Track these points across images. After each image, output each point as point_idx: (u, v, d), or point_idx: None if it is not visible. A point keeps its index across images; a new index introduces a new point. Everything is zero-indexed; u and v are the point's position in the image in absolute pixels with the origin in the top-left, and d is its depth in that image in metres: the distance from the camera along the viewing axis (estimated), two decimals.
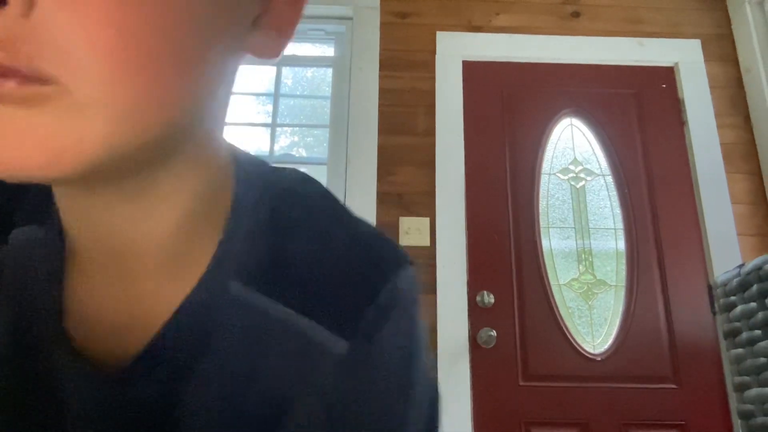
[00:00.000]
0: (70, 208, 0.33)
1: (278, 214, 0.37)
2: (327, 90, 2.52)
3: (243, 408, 0.33)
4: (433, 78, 2.36)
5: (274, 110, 2.49)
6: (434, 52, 2.40)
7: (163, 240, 0.33)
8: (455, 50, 2.41)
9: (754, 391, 1.84)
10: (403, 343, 0.37)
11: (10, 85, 0.22)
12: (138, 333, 0.33)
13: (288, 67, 2.61)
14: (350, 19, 2.49)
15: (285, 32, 0.36)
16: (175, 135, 0.29)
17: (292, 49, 2.63)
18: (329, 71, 2.55)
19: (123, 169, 0.28)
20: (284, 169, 0.41)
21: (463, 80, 2.37)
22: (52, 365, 0.33)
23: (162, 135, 0.27)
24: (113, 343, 0.33)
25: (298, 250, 0.36)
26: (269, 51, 0.38)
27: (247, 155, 0.39)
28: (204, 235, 0.34)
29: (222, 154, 0.37)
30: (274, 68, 2.55)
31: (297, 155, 2.51)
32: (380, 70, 2.36)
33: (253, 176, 0.38)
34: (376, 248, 0.38)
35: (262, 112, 2.59)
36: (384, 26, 2.44)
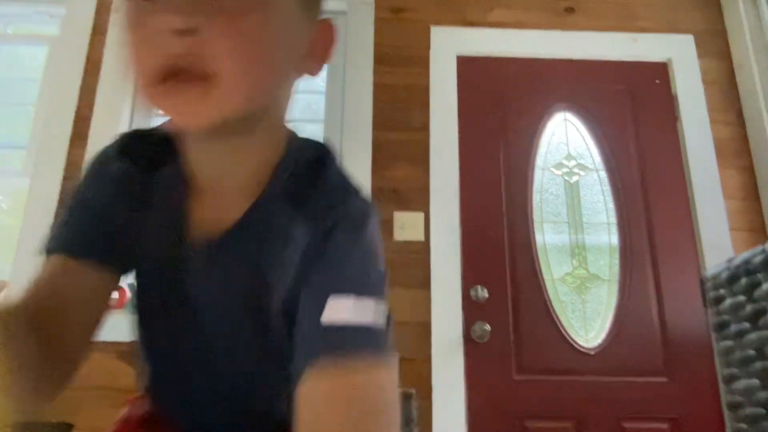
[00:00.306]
0: (196, 154, 0.60)
1: (303, 167, 0.61)
2: (321, 85, 2.52)
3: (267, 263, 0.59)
4: (428, 73, 2.36)
5: None
6: (429, 48, 2.40)
7: (245, 175, 0.60)
8: (450, 45, 2.41)
9: (742, 383, 1.86)
10: (351, 243, 0.57)
11: (194, 79, 0.47)
12: (225, 224, 0.59)
13: None
14: (344, 14, 2.48)
15: (321, 62, 0.61)
16: (262, 112, 0.57)
17: None
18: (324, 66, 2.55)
19: (234, 127, 0.54)
20: (317, 142, 0.66)
21: (458, 75, 2.37)
22: (180, 242, 0.60)
23: (258, 110, 0.55)
24: (212, 228, 0.60)
25: (308, 190, 0.59)
26: (312, 72, 0.61)
27: (295, 135, 0.65)
28: (265, 174, 0.60)
29: (281, 131, 0.63)
30: None
31: None
32: (375, 65, 2.36)
33: (294, 147, 0.63)
34: (351, 187, 0.61)
35: None
36: (378, 21, 2.43)
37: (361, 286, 0.53)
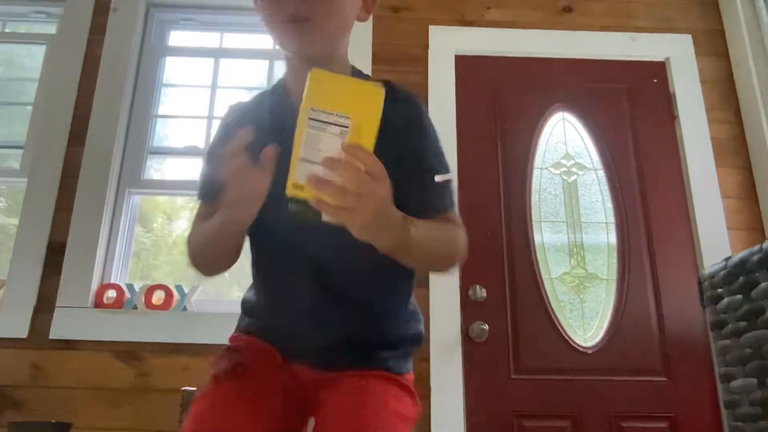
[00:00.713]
0: (297, 77, 0.92)
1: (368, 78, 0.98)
2: None
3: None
4: (426, 72, 2.36)
5: None
6: (427, 47, 2.41)
7: (339, 69, 0.90)
8: (448, 44, 2.41)
9: (739, 381, 1.86)
10: (430, 125, 0.93)
11: (302, 21, 0.83)
12: None
13: (280, 61, 2.61)
14: None
15: (369, 13, 0.94)
16: (341, 43, 0.93)
17: None
18: None
19: (327, 54, 0.90)
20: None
21: (456, 74, 2.37)
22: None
23: (340, 45, 0.93)
24: None
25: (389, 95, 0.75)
26: (362, 19, 0.94)
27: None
28: (346, 71, 0.96)
29: (347, 59, 0.97)
30: (267, 62, 2.55)
31: None
32: (373, 64, 2.36)
33: (356, 70, 1.00)
34: (423, 105, 0.95)
35: None
36: (377, 20, 2.43)
37: (444, 160, 0.94)
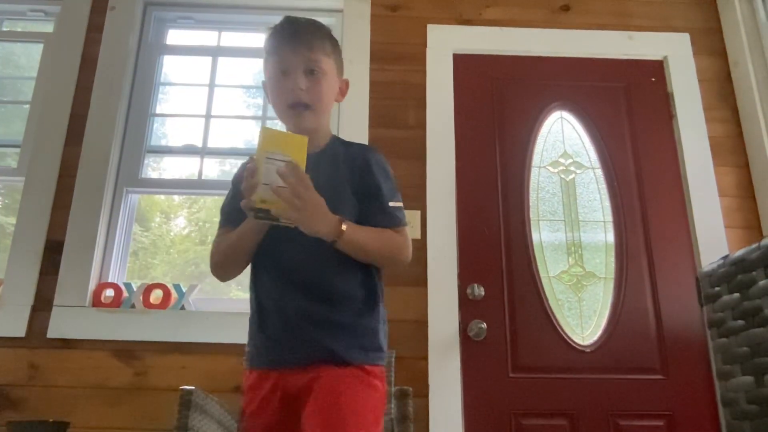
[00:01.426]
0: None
1: (342, 141, 1.28)
2: None
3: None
4: (424, 71, 2.36)
5: (265, 103, 2.48)
6: (425, 45, 2.40)
7: (323, 136, 1.24)
8: (446, 43, 2.41)
9: (737, 380, 1.87)
10: (383, 166, 1.23)
11: (302, 106, 1.18)
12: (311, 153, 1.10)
13: None
14: (340, 11, 2.48)
15: (343, 96, 1.30)
16: (325, 118, 1.25)
17: None
18: None
19: (315, 128, 1.21)
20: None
21: (454, 73, 2.37)
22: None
23: (324, 119, 1.25)
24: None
25: (350, 150, 1.24)
26: (338, 100, 1.29)
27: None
28: (328, 137, 1.26)
29: (328, 128, 1.29)
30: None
31: None
32: (371, 63, 2.36)
33: (335, 136, 1.30)
34: (373, 149, 1.27)
35: (252, 105, 2.58)
36: (375, 19, 2.43)
37: (395, 190, 1.21)
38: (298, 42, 1.20)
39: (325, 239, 1.07)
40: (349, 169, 1.18)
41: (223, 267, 1.22)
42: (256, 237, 1.14)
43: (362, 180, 1.18)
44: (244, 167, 1.20)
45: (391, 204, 1.18)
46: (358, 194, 1.17)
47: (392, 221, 1.18)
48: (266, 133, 1.00)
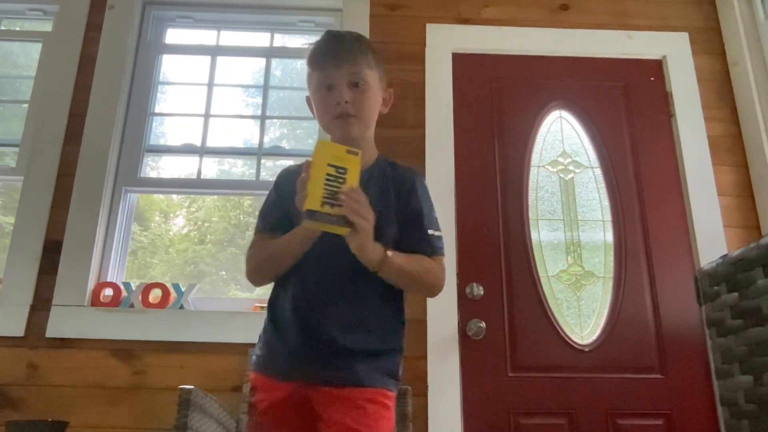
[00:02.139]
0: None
1: (388, 162, 1.27)
2: None
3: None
4: (423, 70, 2.36)
5: (264, 102, 2.48)
6: (424, 44, 2.40)
7: (368, 151, 1.23)
8: (445, 42, 2.41)
9: (736, 378, 1.87)
10: (427, 193, 1.25)
11: (349, 117, 1.20)
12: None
13: (277, 59, 2.60)
14: (339, 10, 2.48)
15: (387, 107, 1.31)
16: (370, 132, 1.27)
17: (281, 40, 2.62)
18: None
19: (361, 137, 1.22)
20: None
21: (453, 72, 2.37)
22: None
23: (369, 132, 1.26)
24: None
25: (397, 174, 1.24)
26: (383, 112, 1.29)
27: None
28: (374, 154, 1.27)
29: (372, 140, 1.29)
30: (264, 60, 2.54)
31: (287, 147, 2.51)
32: None
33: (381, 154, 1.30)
34: (420, 174, 1.28)
35: (251, 104, 2.58)
36: (373, 18, 2.43)
37: (436, 219, 1.23)
38: (342, 57, 1.22)
39: (369, 265, 1.08)
40: (396, 193, 1.20)
41: (261, 273, 1.21)
42: (304, 247, 1.13)
43: (407, 205, 1.20)
44: (289, 174, 1.24)
45: (430, 232, 1.20)
46: (400, 219, 1.19)
47: (433, 249, 1.18)
48: (325, 145, 1.04)
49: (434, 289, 1.19)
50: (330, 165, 1.01)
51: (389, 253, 1.09)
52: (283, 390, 1.11)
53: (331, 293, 1.13)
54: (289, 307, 1.15)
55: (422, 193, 1.23)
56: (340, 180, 1.01)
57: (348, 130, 1.20)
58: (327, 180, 1.00)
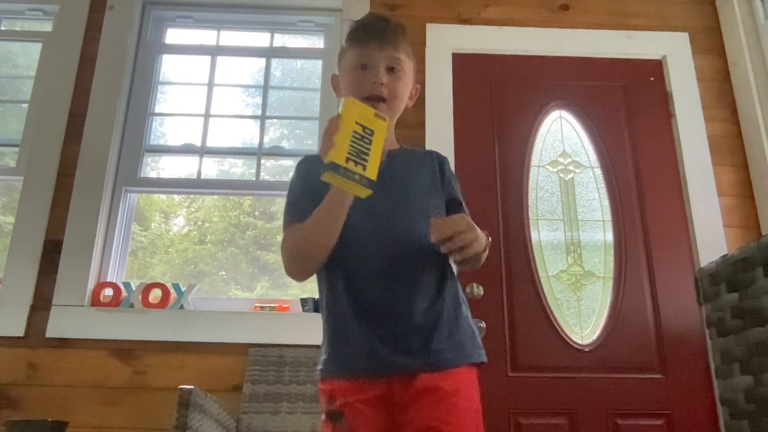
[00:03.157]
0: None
1: (409, 148, 1.30)
2: (316, 82, 2.52)
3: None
4: (423, 70, 2.36)
5: (264, 102, 2.48)
6: (424, 44, 2.40)
7: (390, 138, 1.23)
8: (445, 42, 2.41)
9: (736, 378, 1.87)
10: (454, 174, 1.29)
11: (379, 100, 1.17)
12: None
13: (277, 59, 2.60)
14: (339, 10, 2.48)
15: (413, 99, 1.28)
16: (395, 117, 1.23)
17: (281, 40, 2.62)
18: (319, 63, 2.54)
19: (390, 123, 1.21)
20: None
21: (453, 72, 2.37)
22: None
23: (394, 120, 1.24)
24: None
25: (425, 154, 1.30)
26: (408, 105, 1.26)
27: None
28: (395, 143, 1.27)
29: (393, 129, 1.28)
30: (263, 60, 2.54)
31: (287, 147, 2.51)
32: None
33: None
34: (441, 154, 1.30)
35: (251, 104, 2.58)
36: None
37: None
38: (386, 39, 1.20)
39: (484, 249, 1.12)
40: (435, 171, 1.23)
41: (300, 260, 1.12)
42: (338, 217, 1.05)
43: (450, 184, 1.24)
44: (313, 162, 1.19)
45: (464, 206, 1.24)
46: (449, 197, 1.23)
47: None
48: (354, 103, 1.01)
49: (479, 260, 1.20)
50: (358, 123, 0.98)
51: (486, 232, 1.13)
52: (367, 389, 1.04)
53: (388, 281, 1.08)
54: (345, 303, 1.08)
55: (451, 172, 1.27)
56: (366, 140, 0.97)
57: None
58: (354, 137, 0.96)
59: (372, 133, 0.98)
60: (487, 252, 1.17)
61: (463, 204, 1.25)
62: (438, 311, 1.09)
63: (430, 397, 1.01)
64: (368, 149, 0.97)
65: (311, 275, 1.16)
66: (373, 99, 1.16)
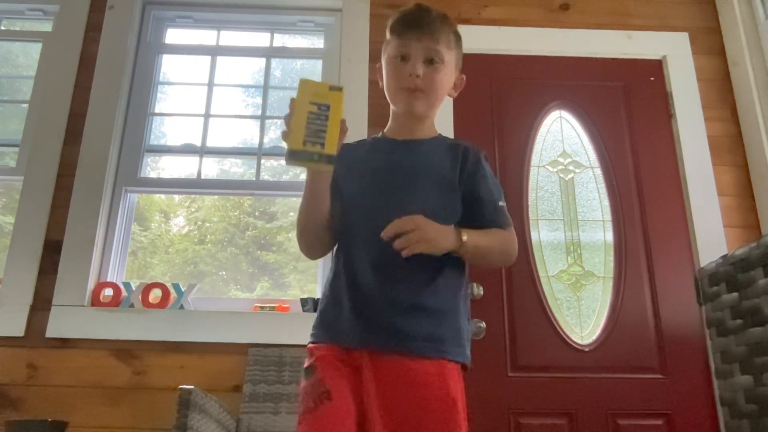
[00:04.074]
0: (402, 125, 1.29)
1: (448, 139, 1.33)
2: None
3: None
4: None
5: (264, 102, 2.48)
6: None
7: (429, 127, 1.30)
8: None
9: (736, 378, 1.87)
10: (489, 168, 1.28)
11: (417, 91, 1.21)
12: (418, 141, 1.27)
13: (277, 59, 2.60)
14: (339, 10, 2.48)
15: (457, 90, 1.31)
16: (435, 108, 1.27)
17: (281, 40, 2.62)
18: (319, 63, 2.54)
19: (424, 115, 1.26)
20: None
21: None
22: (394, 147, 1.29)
23: (434, 110, 1.28)
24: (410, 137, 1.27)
25: (460, 146, 1.26)
26: (452, 95, 1.31)
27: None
28: (434, 132, 1.31)
29: (434, 119, 1.32)
30: (264, 60, 2.54)
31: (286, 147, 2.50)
32: (370, 62, 2.36)
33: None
34: (481, 150, 1.28)
35: (251, 104, 2.58)
36: (374, 18, 2.43)
37: (501, 192, 1.25)
38: (424, 30, 1.21)
39: (453, 251, 1.11)
40: (458, 163, 1.21)
41: (304, 240, 1.21)
42: (316, 188, 1.13)
43: (473, 178, 1.21)
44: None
45: (501, 204, 1.23)
46: (468, 192, 1.20)
47: (504, 220, 1.21)
48: (307, 83, 1.04)
49: (511, 259, 1.22)
50: (312, 103, 1.01)
51: (464, 237, 1.11)
52: (341, 354, 1.10)
53: (379, 268, 1.11)
54: (342, 281, 1.15)
55: (487, 166, 1.25)
56: (322, 117, 1.01)
57: (413, 105, 1.21)
58: (309, 118, 1.00)
59: (328, 107, 1.02)
60: (491, 253, 1.19)
61: (487, 199, 1.21)
62: (425, 303, 1.10)
63: (399, 382, 1.05)
64: (324, 126, 1.01)
65: (319, 253, 1.25)
66: (410, 91, 1.19)
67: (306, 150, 0.99)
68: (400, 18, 1.25)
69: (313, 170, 1.08)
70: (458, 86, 1.30)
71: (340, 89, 1.03)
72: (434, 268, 1.13)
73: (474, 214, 1.19)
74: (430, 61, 1.20)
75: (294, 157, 1.00)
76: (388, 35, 1.27)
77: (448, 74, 1.24)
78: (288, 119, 1.02)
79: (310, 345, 1.16)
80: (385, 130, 1.33)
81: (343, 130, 1.03)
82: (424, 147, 1.23)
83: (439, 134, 1.30)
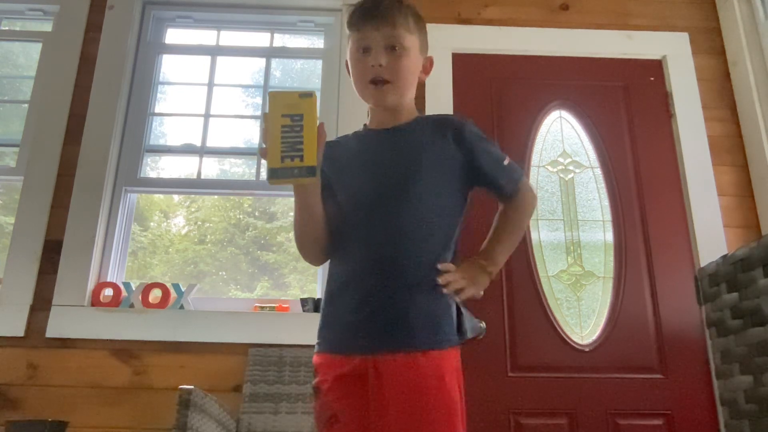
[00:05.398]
0: (379, 117, 1.25)
1: (427, 116, 1.31)
2: (316, 82, 2.52)
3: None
4: None
5: (264, 102, 2.48)
6: None
7: (407, 112, 1.24)
8: (445, 42, 2.41)
9: (736, 378, 1.87)
10: (481, 132, 1.24)
11: (383, 83, 1.17)
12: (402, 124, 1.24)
13: (277, 59, 2.60)
14: (339, 10, 2.48)
15: (426, 74, 1.28)
16: (408, 97, 1.23)
17: (281, 40, 2.62)
18: (319, 63, 2.54)
19: (397, 104, 1.22)
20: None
21: (453, 72, 2.37)
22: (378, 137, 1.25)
23: (406, 97, 1.23)
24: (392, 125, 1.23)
25: (442, 120, 1.25)
26: (422, 79, 1.27)
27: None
28: (412, 114, 1.25)
29: (412, 105, 1.27)
30: (263, 60, 2.54)
31: None
32: None
33: (420, 114, 1.29)
34: (465, 119, 1.24)
35: (251, 104, 2.58)
36: None
37: (500, 151, 1.24)
38: (380, 18, 1.18)
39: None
40: (451, 141, 1.18)
41: (302, 247, 1.19)
42: (305, 202, 1.11)
43: (469, 149, 1.19)
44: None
45: (505, 163, 1.22)
46: (476, 167, 1.19)
47: (512, 178, 1.23)
48: (276, 96, 1.01)
49: (530, 217, 1.30)
50: (284, 115, 0.98)
51: (489, 269, 1.17)
52: (344, 365, 1.08)
53: (369, 271, 1.11)
54: (336, 285, 1.15)
55: (477, 132, 1.22)
56: (297, 129, 0.98)
57: (382, 98, 1.18)
58: (283, 132, 0.98)
59: (301, 117, 0.99)
60: (515, 242, 1.27)
61: (494, 156, 1.21)
62: (423, 299, 1.10)
63: (401, 389, 1.03)
64: (300, 137, 0.98)
65: (320, 260, 1.22)
66: (376, 83, 1.17)
67: (285, 167, 0.96)
68: (355, 11, 1.22)
69: (298, 185, 1.05)
70: (427, 69, 1.27)
71: (310, 95, 1.00)
72: (431, 265, 1.13)
73: (489, 185, 1.22)
74: (392, 48, 1.17)
75: (275, 175, 0.96)
76: (348, 31, 1.23)
77: (413, 59, 1.20)
78: (264, 136, 0.99)
79: (315, 358, 1.16)
80: (367, 123, 1.30)
81: (321, 135, 1.00)
82: (410, 131, 1.21)
83: (419, 115, 1.27)
